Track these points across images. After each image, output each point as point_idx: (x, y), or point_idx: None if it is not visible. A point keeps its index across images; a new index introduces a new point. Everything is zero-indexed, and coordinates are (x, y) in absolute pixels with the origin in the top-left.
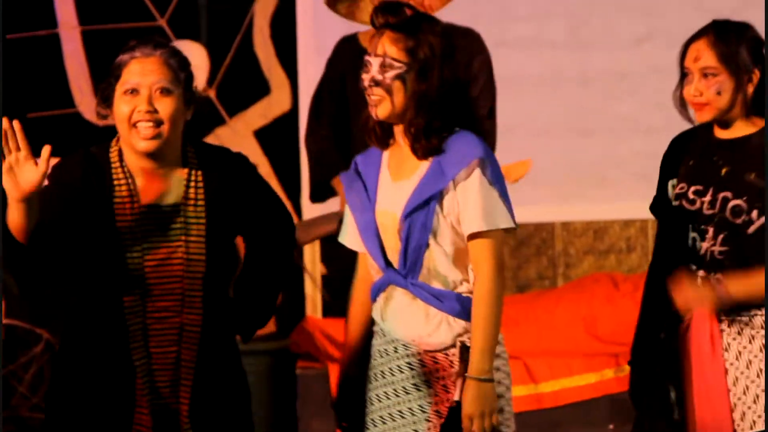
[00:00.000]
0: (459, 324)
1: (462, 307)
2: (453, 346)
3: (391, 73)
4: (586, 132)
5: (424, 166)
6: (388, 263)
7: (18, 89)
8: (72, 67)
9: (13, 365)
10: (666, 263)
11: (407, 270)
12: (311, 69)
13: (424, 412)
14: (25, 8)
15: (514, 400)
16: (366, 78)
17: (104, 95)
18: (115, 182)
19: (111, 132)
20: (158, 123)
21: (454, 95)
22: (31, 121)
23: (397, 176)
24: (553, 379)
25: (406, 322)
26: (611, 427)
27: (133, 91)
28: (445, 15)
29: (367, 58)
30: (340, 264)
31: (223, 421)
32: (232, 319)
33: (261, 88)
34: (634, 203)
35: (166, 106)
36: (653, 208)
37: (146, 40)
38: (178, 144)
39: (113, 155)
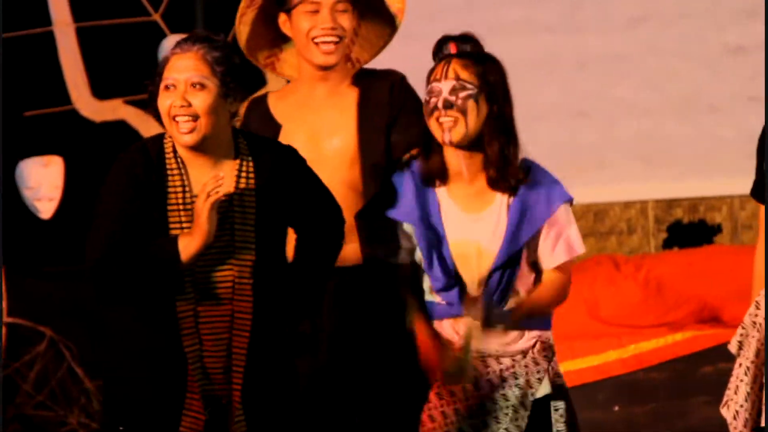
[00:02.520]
0: (533, 333)
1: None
2: (533, 347)
3: (464, 94)
4: (584, 114)
5: (500, 199)
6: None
7: (14, 88)
8: (67, 64)
9: (17, 363)
10: None
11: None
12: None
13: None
14: (20, 7)
15: None
16: (436, 101)
17: (152, 91)
18: (168, 173)
19: (108, 129)
20: (194, 117)
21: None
22: (27, 119)
23: (468, 209)
24: (635, 342)
25: (486, 340)
26: (616, 408)
27: (171, 87)
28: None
29: (433, 85)
30: None
31: (274, 408)
32: (279, 309)
33: (257, 81)
34: (633, 185)
35: (200, 100)
36: (754, 192)
37: (192, 36)
38: (224, 136)
39: (167, 147)
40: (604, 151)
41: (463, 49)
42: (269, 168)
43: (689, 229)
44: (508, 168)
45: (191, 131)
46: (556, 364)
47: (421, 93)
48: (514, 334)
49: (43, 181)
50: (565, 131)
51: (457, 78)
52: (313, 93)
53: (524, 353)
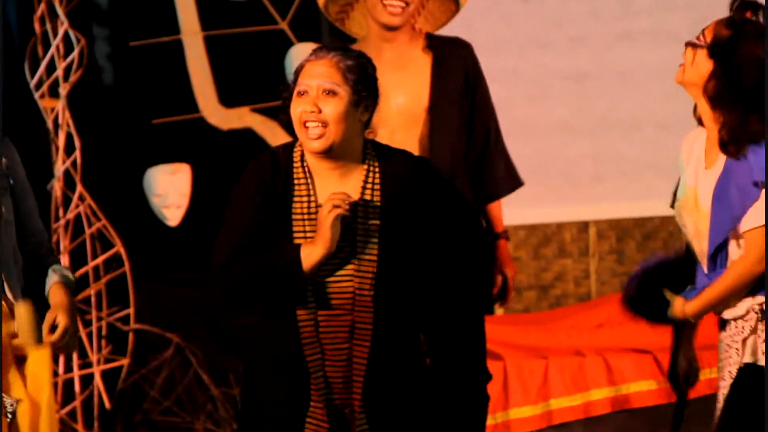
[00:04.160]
0: (748, 299)
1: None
2: (746, 314)
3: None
4: None
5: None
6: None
7: (143, 96)
8: (195, 72)
9: (144, 369)
10: None
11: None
12: None
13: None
14: (148, 15)
15: (600, 401)
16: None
17: (285, 98)
18: (295, 182)
19: (235, 136)
20: (324, 123)
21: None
22: (156, 127)
23: (709, 163)
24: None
25: None
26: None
27: (304, 93)
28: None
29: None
30: None
31: (396, 418)
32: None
33: None
34: None
35: (330, 107)
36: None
37: (327, 45)
38: (354, 144)
39: (296, 155)
40: None
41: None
42: (397, 179)
43: None
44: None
45: (320, 137)
46: None
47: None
48: None
49: (170, 189)
50: None
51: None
52: (381, 53)
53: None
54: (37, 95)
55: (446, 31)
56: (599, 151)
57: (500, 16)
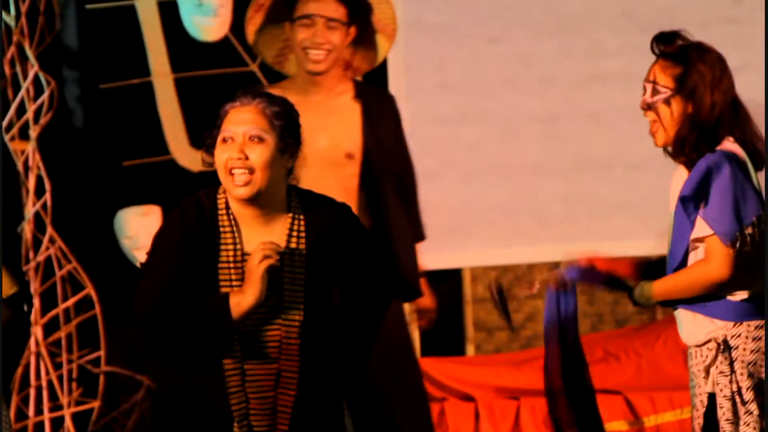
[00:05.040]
0: (716, 324)
1: (722, 309)
2: (707, 342)
3: (657, 98)
4: None
5: None
6: None
7: (113, 138)
8: (166, 114)
9: (115, 412)
10: None
11: None
12: (402, 106)
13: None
14: (119, 57)
15: None
16: (641, 102)
17: (208, 144)
18: (221, 229)
19: (206, 178)
20: (251, 170)
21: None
22: (126, 169)
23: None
24: (655, 413)
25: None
26: None
27: (229, 139)
28: (534, 48)
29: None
30: (442, 302)
31: None
32: (326, 369)
33: None
34: None
35: (257, 154)
36: None
37: (249, 90)
38: (278, 191)
39: (221, 202)
40: None
41: (663, 49)
42: (321, 227)
43: None
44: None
45: (246, 184)
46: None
47: None
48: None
49: (141, 231)
50: None
51: (655, 81)
52: (307, 96)
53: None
54: (7, 137)
55: (415, 71)
56: (570, 192)
57: (470, 57)
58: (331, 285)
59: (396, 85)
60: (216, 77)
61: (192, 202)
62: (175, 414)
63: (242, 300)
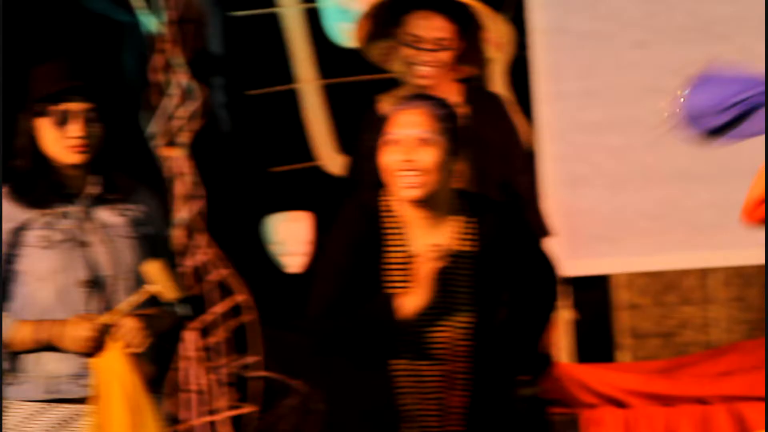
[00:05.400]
0: None
1: None
2: None
3: None
4: None
5: None
6: None
7: (259, 144)
8: (312, 120)
9: (270, 416)
10: None
11: None
12: (548, 112)
13: None
14: (266, 64)
15: None
16: None
17: (370, 148)
18: (388, 231)
19: (352, 183)
20: (421, 172)
21: None
22: (273, 175)
23: None
24: None
25: None
26: None
27: (397, 142)
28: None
29: None
30: (591, 309)
31: None
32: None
33: None
34: None
35: (427, 156)
36: None
37: (417, 94)
38: (446, 193)
39: (386, 204)
40: None
41: None
42: (491, 230)
43: None
44: None
45: (416, 186)
46: None
47: None
48: None
49: (289, 236)
50: None
51: None
52: None
53: None
54: (156, 144)
55: (561, 77)
56: (720, 199)
57: (615, 63)
58: (499, 286)
59: (541, 91)
60: (362, 83)
61: (358, 205)
62: (343, 417)
63: (410, 302)
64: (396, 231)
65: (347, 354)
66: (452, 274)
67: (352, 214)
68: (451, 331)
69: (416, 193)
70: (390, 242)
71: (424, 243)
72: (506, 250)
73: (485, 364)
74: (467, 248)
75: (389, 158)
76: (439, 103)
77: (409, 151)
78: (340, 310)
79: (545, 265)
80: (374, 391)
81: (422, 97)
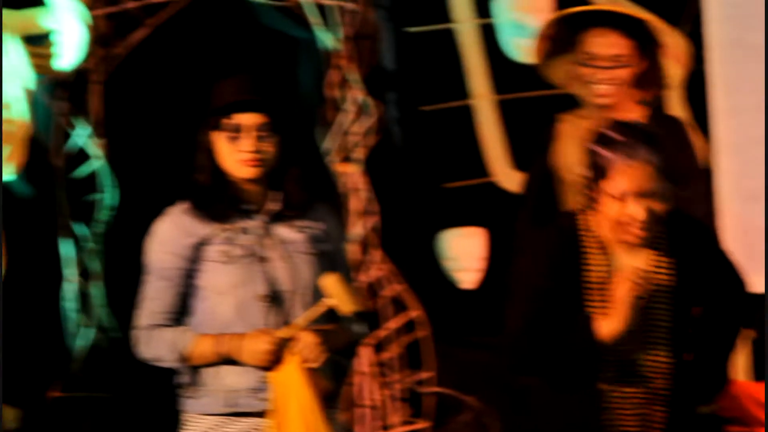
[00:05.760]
0: None
1: None
2: None
3: None
4: None
5: None
6: None
7: (434, 160)
8: (487, 136)
9: None
10: None
11: None
12: (723, 127)
13: None
14: (439, 80)
15: None
16: None
17: (591, 197)
18: (588, 251)
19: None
20: (645, 227)
21: None
22: (447, 191)
23: None
24: None
25: None
26: None
27: (622, 197)
28: None
29: None
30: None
31: None
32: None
33: None
34: None
35: (651, 209)
36: None
37: (631, 140)
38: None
39: (585, 224)
40: None
41: None
42: (684, 251)
43: None
44: None
45: (641, 238)
46: None
47: None
48: None
49: (463, 252)
50: None
51: None
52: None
53: None
54: (331, 160)
55: (737, 91)
56: None
57: None
58: (694, 305)
59: (717, 105)
60: (537, 99)
61: (558, 225)
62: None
63: (609, 324)
64: (598, 251)
65: (547, 374)
66: (650, 299)
67: (551, 235)
68: (651, 352)
69: (639, 241)
70: (591, 262)
71: (625, 265)
72: (700, 271)
73: (684, 379)
74: (664, 265)
75: (616, 209)
76: (651, 145)
77: (635, 204)
78: (539, 330)
79: (738, 283)
80: (578, 412)
81: (637, 141)
